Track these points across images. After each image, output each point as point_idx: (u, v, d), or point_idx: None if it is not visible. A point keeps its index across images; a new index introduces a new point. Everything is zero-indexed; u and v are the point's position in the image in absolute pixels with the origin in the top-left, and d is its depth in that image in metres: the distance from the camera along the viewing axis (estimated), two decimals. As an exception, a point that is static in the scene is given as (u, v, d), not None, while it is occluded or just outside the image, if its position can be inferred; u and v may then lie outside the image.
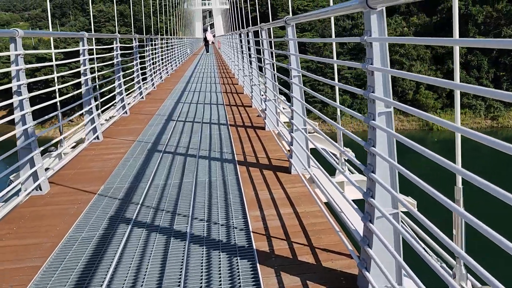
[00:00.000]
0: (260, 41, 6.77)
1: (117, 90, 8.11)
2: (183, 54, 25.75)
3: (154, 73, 13.02)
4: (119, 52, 8.17)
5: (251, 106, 8.73)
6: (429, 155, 1.65)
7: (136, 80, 10.28)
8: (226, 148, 5.47)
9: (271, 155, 5.06)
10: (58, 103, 5.70)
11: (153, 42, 14.08)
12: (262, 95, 7.25)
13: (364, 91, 2.11)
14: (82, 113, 6.08)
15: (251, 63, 8.92)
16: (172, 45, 20.10)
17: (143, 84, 11.26)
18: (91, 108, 6.02)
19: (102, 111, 7.66)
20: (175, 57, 20.59)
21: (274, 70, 6.28)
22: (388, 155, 2.10)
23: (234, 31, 23.49)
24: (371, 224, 2.15)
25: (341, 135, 4.36)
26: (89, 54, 7.08)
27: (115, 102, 8.33)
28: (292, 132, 4.31)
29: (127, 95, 9.20)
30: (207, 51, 34.83)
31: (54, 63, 5.76)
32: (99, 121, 6.23)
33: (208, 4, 76.81)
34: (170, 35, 36.92)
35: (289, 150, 4.53)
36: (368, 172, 2.14)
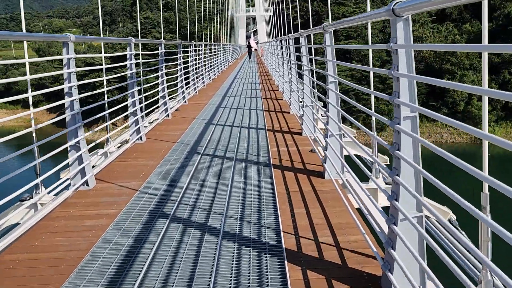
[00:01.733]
0: (300, 47, 6.87)
1: (160, 94, 8.45)
2: (224, 61, 25.97)
3: (196, 78, 13.40)
4: (164, 57, 8.51)
5: (289, 112, 8.84)
6: (454, 161, 1.69)
7: (179, 85, 10.65)
8: (262, 152, 5.61)
9: (306, 160, 5.14)
10: (106, 104, 6.07)
11: (197, 48, 14.50)
12: (301, 101, 7.29)
13: (389, 96, 2.18)
14: (127, 115, 6.41)
15: (291, 70, 9.02)
16: (215, 52, 20.50)
17: (186, 88, 11.63)
18: (135, 110, 6.33)
19: (146, 114, 8.02)
20: (217, 63, 20.96)
21: (313, 76, 6.35)
22: (413, 159, 2.15)
23: (276, 38, 23.68)
24: (395, 226, 2.20)
25: (375, 143, 4.38)
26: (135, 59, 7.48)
27: (158, 106, 8.67)
28: (327, 138, 4.38)
29: (170, 99, 9.56)
30: (250, 58, 35.38)
31: (104, 66, 6.12)
32: (143, 123, 6.53)
33: (252, 11, 77.70)
34: (214, 41, 37.65)
35: (323, 156, 4.60)
36: (393, 175, 2.20)
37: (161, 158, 5.41)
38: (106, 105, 6.11)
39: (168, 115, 8.66)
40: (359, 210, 3.54)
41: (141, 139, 6.47)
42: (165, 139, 6.59)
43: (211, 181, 4.41)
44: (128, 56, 6.32)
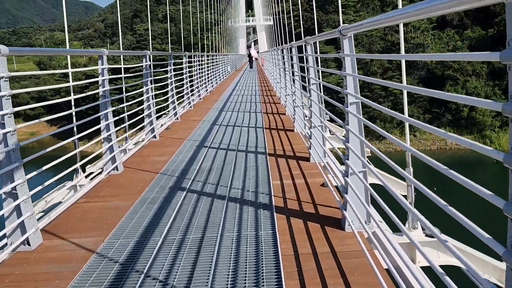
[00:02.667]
0: (305, 57, 5.86)
1: (146, 112, 8.95)
2: (224, 72, 25.81)
3: (200, 86, 14.42)
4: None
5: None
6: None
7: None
8: (262, 187, 4.56)
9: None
10: (125, 108, 7.09)
11: (193, 60, 15.47)
12: (306, 117, 6.41)
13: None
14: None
15: (294, 82, 8.20)
16: (212, 62, 21.23)
17: (179, 104, 12.35)
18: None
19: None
20: (214, 75, 20.41)
21: (321, 91, 5.68)
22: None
23: (276, 46, 24.78)
24: (347, 178, 3.20)
25: (412, 190, 3.45)
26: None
27: (168, 110, 9.71)
28: (347, 177, 3.29)
29: (159, 116, 10.38)
30: (251, 67, 36.54)
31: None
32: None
33: (252, 21, 79.28)
34: (214, 51, 38.78)
35: (342, 199, 3.55)
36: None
37: (137, 197, 4.37)
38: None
39: (155, 136, 7.70)
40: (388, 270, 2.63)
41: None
42: (147, 168, 5.53)
43: (193, 236, 3.39)
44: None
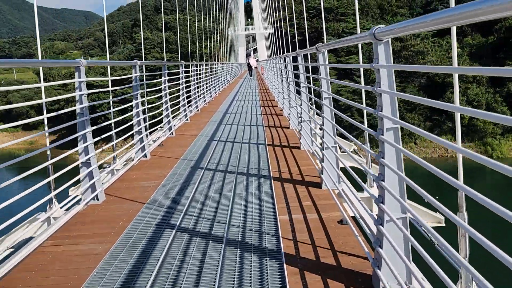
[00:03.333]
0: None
1: (164, 113, 8.73)
2: (224, 80, 25.42)
3: (198, 97, 13.69)
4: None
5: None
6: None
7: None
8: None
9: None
10: (113, 125, 6.34)
11: (197, 68, 14.85)
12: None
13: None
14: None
15: (289, 86, 9.22)
16: (211, 72, 20.69)
17: (188, 107, 11.90)
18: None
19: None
20: (213, 84, 20.41)
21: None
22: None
23: (276, 55, 24.15)
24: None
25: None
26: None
27: (163, 124, 8.95)
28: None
29: (172, 117, 9.84)
30: (251, 75, 36.59)
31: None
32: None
33: (252, 29, 78.93)
34: (214, 60, 38.26)
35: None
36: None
37: (116, 238, 3.61)
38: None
39: (172, 133, 8.79)
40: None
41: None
42: (133, 196, 4.78)
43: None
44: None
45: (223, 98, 18.52)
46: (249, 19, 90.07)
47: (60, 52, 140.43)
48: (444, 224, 4.16)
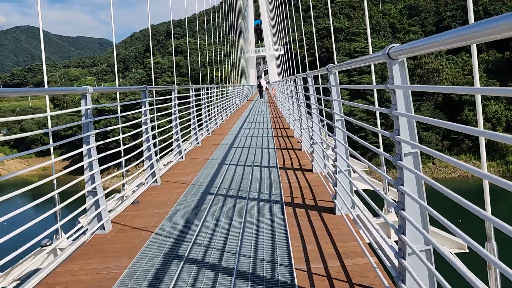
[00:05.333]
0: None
1: (174, 137, 8.66)
2: (234, 104, 24.59)
3: (209, 120, 13.63)
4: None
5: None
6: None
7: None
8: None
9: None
10: (122, 151, 6.25)
11: (208, 91, 14.86)
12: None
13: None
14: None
15: (300, 108, 9.12)
16: (226, 94, 20.75)
17: (199, 130, 11.84)
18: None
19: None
20: (227, 106, 20.50)
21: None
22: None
23: (287, 76, 24.14)
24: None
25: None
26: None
27: (172, 148, 8.86)
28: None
29: (183, 141, 9.76)
30: (261, 97, 36.61)
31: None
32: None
33: (262, 51, 79.69)
34: (225, 83, 38.55)
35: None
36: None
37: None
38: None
39: (182, 157, 8.74)
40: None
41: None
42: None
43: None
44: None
45: (234, 120, 18.47)
46: (259, 41, 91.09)
47: (74, 79, 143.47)
48: (468, 251, 3.93)
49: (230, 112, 22.52)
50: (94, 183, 4.38)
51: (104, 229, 4.44)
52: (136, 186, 6.96)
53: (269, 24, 72.74)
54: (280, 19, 48.78)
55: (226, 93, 21.63)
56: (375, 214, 4.53)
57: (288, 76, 27.66)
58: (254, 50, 80.00)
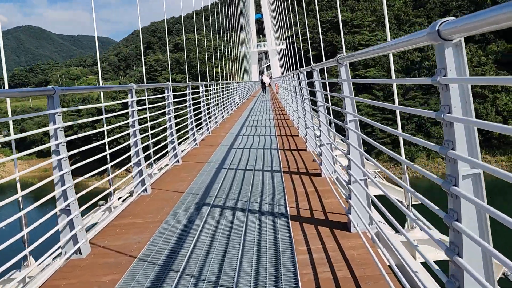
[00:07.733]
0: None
1: (169, 139, 8.02)
2: (231, 104, 22.44)
3: (208, 119, 12.95)
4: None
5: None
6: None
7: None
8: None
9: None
10: (108, 156, 5.60)
11: (208, 89, 14.20)
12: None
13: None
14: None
15: (304, 105, 8.45)
16: (227, 91, 20.11)
17: (197, 130, 11.18)
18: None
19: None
20: (229, 102, 19.84)
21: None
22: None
23: (289, 71, 23.42)
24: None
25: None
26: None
27: (168, 151, 8.22)
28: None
29: (180, 142, 9.12)
30: (264, 92, 36.74)
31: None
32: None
33: (264, 46, 78.80)
34: (226, 79, 37.96)
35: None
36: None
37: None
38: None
39: (178, 161, 8.13)
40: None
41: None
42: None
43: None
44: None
45: (235, 119, 17.78)
46: (261, 36, 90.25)
47: (75, 78, 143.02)
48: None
49: (231, 110, 21.84)
50: (66, 200, 3.73)
51: (81, 253, 3.80)
52: (129, 193, 6.32)
53: (270, 17, 71.82)
54: (282, 13, 47.89)
55: (227, 90, 20.93)
56: (390, 223, 3.87)
57: (290, 71, 26.93)
58: (256, 45, 79.11)
